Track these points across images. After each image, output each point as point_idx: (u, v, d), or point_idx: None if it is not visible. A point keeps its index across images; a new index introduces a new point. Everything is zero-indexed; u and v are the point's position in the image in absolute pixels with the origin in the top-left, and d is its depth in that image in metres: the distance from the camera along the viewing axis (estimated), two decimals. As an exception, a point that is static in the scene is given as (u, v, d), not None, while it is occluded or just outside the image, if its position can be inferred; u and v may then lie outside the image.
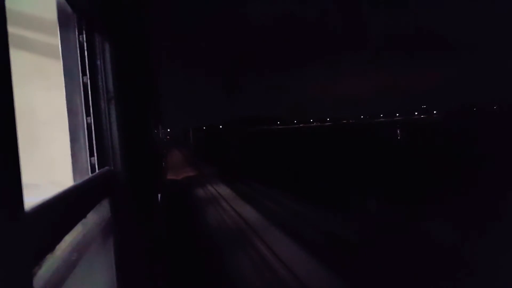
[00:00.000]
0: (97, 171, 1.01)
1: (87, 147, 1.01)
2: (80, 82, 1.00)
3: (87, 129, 1.01)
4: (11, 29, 0.42)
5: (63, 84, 0.98)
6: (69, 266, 0.63)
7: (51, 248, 0.52)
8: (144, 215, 1.70)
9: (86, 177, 0.94)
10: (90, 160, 1.01)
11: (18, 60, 1.01)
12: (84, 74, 1.00)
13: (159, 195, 4.17)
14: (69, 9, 0.93)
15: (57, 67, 0.98)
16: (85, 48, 1.00)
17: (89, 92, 1.01)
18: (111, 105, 1.08)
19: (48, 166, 1.10)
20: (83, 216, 0.75)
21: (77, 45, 0.98)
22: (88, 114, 1.01)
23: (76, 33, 0.97)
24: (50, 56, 1.05)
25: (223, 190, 7.35)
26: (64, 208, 0.62)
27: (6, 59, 0.39)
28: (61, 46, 0.96)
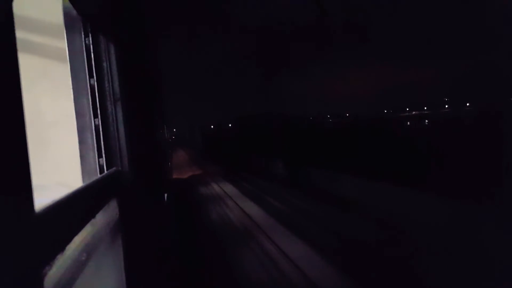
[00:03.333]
0: (105, 171, 1.03)
1: (95, 148, 1.02)
2: (87, 85, 1.01)
3: (95, 130, 1.02)
4: (19, 34, 0.42)
5: (71, 87, 0.99)
6: (79, 266, 0.64)
7: (61, 248, 0.53)
8: (151, 214, 1.72)
9: (94, 178, 0.95)
10: (99, 161, 1.03)
11: (26, 63, 1.03)
12: (91, 76, 1.01)
13: (165, 195, 4.21)
14: (75, 12, 0.94)
15: (64, 70, 0.99)
16: (91, 50, 1.01)
17: (96, 94, 1.02)
18: (118, 107, 1.09)
19: (57, 168, 1.11)
20: (92, 216, 0.76)
21: (84, 48, 0.99)
22: (95, 116, 1.02)
23: (82, 36, 0.99)
24: (57, 59, 1.06)
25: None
26: (74, 209, 0.63)
27: (15, 63, 0.40)
28: (68, 49, 0.97)
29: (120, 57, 1.12)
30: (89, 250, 0.72)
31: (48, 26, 1.06)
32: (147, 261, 1.33)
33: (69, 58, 0.98)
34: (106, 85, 1.07)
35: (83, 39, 0.99)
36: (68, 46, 0.97)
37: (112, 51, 1.08)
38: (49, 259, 0.49)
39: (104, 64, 1.06)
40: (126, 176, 1.12)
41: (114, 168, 1.07)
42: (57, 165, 1.11)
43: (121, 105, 1.10)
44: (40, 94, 1.10)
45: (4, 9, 0.38)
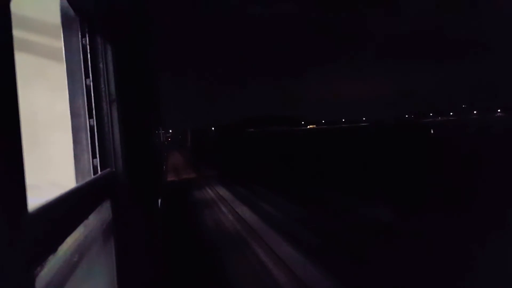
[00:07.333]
0: (99, 172, 1.02)
1: (90, 149, 1.02)
2: (83, 85, 1.00)
3: (90, 131, 1.02)
4: (15, 32, 0.42)
5: (66, 87, 0.99)
6: (71, 267, 0.63)
7: (53, 249, 0.53)
8: (145, 217, 1.71)
9: (88, 179, 0.94)
10: (93, 162, 1.02)
11: (22, 62, 1.02)
12: (87, 76, 1.01)
13: (159, 200, 4.19)
14: (72, 12, 0.94)
15: (60, 70, 0.99)
16: (88, 51, 1.01)
17: (92, 95, 1.02)
18: (113, 107, 1.09)
19: (51, 168, 1.10)
20: (85, 217, 0.75)
21: (80, 48, 0.99)
22: (90, 116, 1.02)
23: (79, 36, 0.98)
24: (54, 58, 1.06)
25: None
26: (67, 210, 0.62)
27: (11, 62, 0.40)
28: (65, 49, 0.97)
29: (117, 58, 1.12)
30: (81, 252, 0.71)
31: (44, 25, 1.06)
32: (140, 264, 1.32)
33: (65, 58, 0.98)
34: (102, 85, 1.06)
35: (80, 39, 0.99)
36: (64, 46, 0.97)
37: (109, 51, 1.08)
38: (41, 260, 0.48)
39: (101, 64, 1.06)
40: (120, 178, 1.11)
41: (108, 169, 1.06)
42: (51, 165, 1.10)
43: (117, 106, 1.10)
44: (36, 93, 1.09)
45: (2, 7, 0.38)
